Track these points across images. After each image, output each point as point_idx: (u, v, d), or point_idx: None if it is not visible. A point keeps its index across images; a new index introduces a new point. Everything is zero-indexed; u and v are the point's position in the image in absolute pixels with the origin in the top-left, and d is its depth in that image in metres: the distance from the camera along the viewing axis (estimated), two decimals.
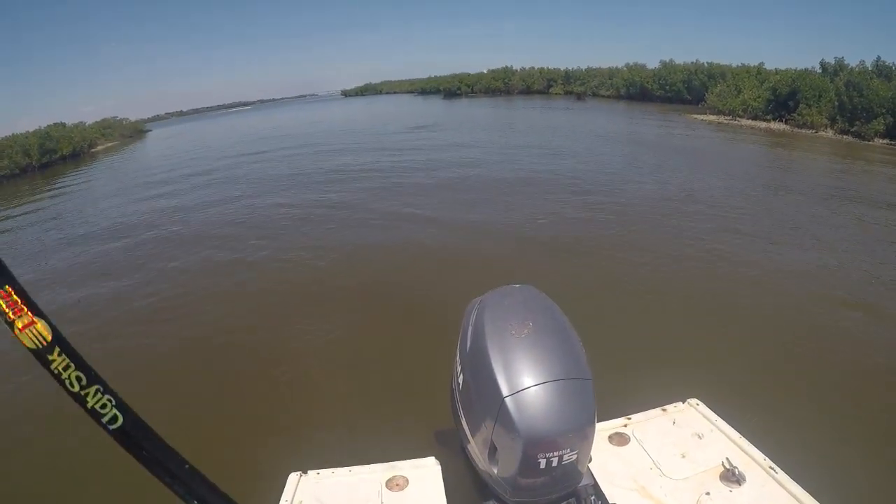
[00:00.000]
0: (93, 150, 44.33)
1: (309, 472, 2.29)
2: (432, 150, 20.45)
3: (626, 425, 2.55)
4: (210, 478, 1.04)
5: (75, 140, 41.80)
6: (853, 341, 5.80)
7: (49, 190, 23.26)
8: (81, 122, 50.58)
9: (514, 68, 67.06)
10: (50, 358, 0.85)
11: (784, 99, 28.04)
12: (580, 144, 21.42)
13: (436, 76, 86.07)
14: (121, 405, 0.92)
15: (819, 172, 16.90)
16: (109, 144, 48.66)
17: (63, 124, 46.12)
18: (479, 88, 68.03)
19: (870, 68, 27.20)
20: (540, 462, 1.77)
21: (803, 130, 25.81)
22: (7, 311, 0.81)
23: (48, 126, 42.88)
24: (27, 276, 9.63)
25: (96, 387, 0.89)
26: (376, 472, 2.28)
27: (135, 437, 0.94)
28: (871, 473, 3.76)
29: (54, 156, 37.05)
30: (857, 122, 24.15)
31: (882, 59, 27.16)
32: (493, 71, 69.02)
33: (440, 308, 5.23)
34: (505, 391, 1.78)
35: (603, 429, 2.50)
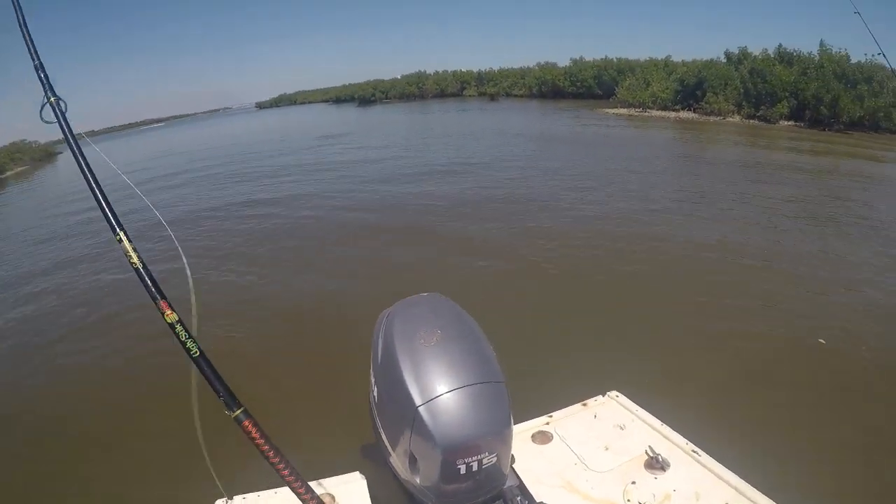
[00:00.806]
0: (2, 175, 41.27)
1: (235, 497, 2.27)
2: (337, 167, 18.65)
3: (548, 423, 2.56)
4: None
5: None
6: (767, 318, 5.75)
7: None
8: None
9: (427, 73, 66.79)
10: (176, 327, 1.62)
11: (692, 89, 28.79)
12: (489, 143, 20.69)
13: (350, 84, 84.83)
14: (200, 349, 1.65)
15: (726, 152, 17.61)
16: (20, 169, 45.34)
17: None
18: (393, 94, 67.21)
19: (772, 55, 28.02)
20: (460, 468, 1.76)
21: (711, 118, 26.50)
22: (164, 309, 1.63)
23: None
24: None
25: (191, 339, 1.64)
26: None
27: (203, 366, 1.68)
28: (791, 446, 3.74)
29: None
30: (763, 107, 25.05)
31: (783, 46, 28.05)
32: (406, 76, 68.44)
33: (353, 320, 5.09)
34: (417, 401, 1.77)
35: (525, 429, 2.51)
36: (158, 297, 1.69)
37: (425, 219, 10.28)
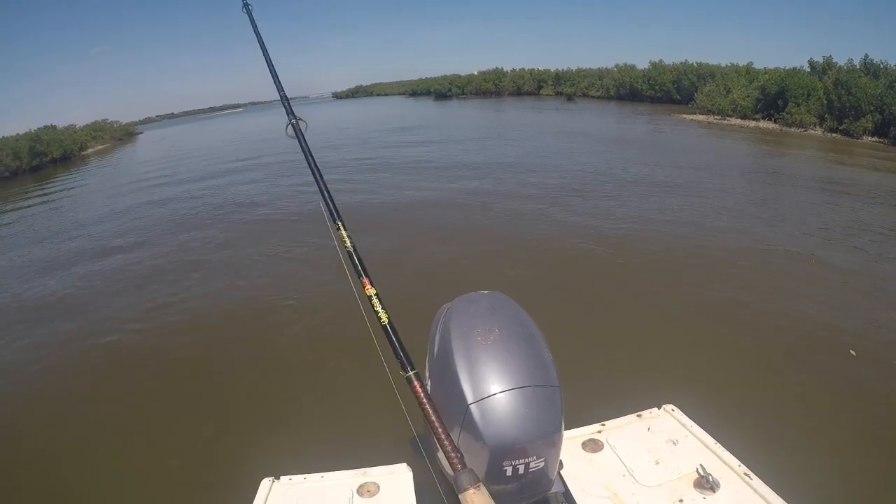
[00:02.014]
0: (83, 152, 43.75)
1: (282, 477, 2.31)
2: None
3: (600, 432, 2.52)
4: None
5: (66, 143, 41.22)
6: (833, 346, 5.69)
7: (39, 193, 23.05)
8: (72, 125, 49.43)
9: (504, 70, 67.30)
10: (373, 300, 1.94)
11: (773, 98, 28.30)
12: (575, 147, 21.27)
13: (426, 78, 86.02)
14: (389, 317, 1.93)
15: (809, 170, 16.95)
16: (100, 147, 48.04)
17: (54, 127, 45.25)
18: (469, 90, 68.14)
19: (858, 66, 27.44)
20: (506, 469, 1.78)
21: (792, 129, 26.02)
22: (366, 284, 1.96)
23: (38, 129, 42.06)
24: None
25: (384, 310, 1.94)
26: (348, 479, 2.28)
27: (389, 332, 1.93)
28: (847, 478, 3.78)
29: (45, 159, 36.75)
30: (846, 121, 24.40)
31: (870, 57, 27.44)
32: (483, 72, 69.19)
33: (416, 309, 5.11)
34: (469, 398, 1.78)
35: (576, 435, 2.47)
36: (363, 275, 2.02)
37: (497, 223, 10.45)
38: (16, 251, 12.27)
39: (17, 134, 39.34)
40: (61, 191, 22.87)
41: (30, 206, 19.30)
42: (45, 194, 22.27)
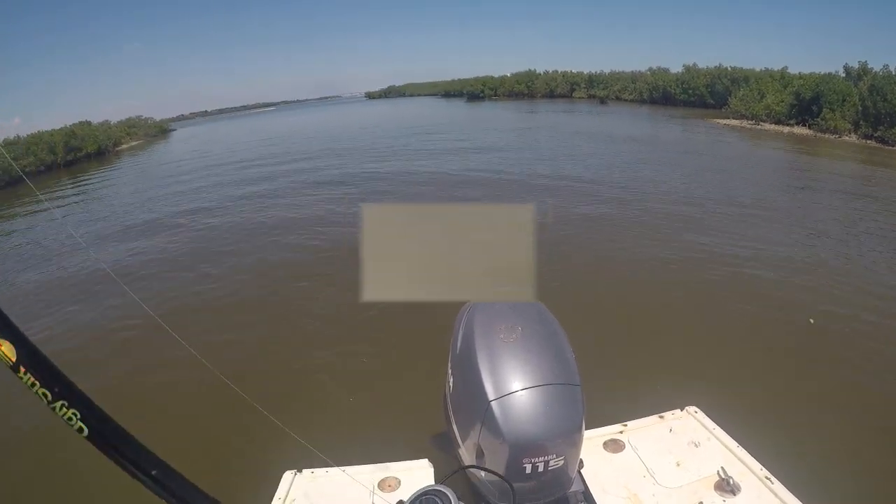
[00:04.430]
0: (118, 148, 44.78)
1: (304, 470, 2.36)
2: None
3: (621, 432, 2.53)
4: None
5: (100, 138, 42.38)
6: (858, 351, 5.68)
7: (72, 186, 24.03)
8: (107, 121, 50.77)
9: (537, 72, 67.37)
10: (18, 375, 0.90)
11: (807, 103, 28.10)
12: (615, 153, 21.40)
13: (459, 79, 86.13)
14: (85, 417, 0.95)
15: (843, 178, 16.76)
16: (134, 143, 48.98)
17: (88, 123, 46.44)
18: (502, 92, 68.47)
19: (894, 73, 26.97)
20: (525, 467, 1.79)
21: (826, 135, 25.85)
22: None
23: (73, 124, 43.05)
24: None
25: (61, 402, 0.92)
26: (369, 473, 2.30)
27: (104, 441, 0.99)
28: (867, 483, 3.77)
29: (79, 154, 37.75)
30: (881, 128, 24.14)
31: None
32: (516, 74, 69.38)
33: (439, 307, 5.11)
34: (491, 395, 1.80)
35: (597, 435, 2.49)
36: None
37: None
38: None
39: (53, 129, 40.32)
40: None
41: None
42: (79, 186, 22.91)
